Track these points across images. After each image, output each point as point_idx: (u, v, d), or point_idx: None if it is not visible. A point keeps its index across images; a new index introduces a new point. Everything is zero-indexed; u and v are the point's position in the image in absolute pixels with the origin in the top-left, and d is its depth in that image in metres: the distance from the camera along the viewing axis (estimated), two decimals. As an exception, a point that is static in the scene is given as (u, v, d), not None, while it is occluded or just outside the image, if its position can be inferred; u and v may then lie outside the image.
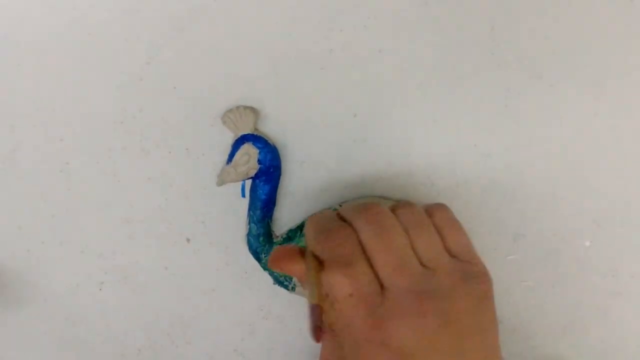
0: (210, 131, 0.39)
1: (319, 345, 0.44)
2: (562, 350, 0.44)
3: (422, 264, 0.30)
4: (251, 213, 0.40)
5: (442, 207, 0.34)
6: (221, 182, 0.39)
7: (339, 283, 0.29)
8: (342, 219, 0.32)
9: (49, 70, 0.38)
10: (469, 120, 0.40)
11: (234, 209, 0.40)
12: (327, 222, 0.32)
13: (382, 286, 0.29)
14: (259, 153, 0.38)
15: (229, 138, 0.39)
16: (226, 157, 0.39)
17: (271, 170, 0.39)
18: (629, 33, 0.39)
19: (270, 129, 0.39)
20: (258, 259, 0.40)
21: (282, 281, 0.40)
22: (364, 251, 0.30)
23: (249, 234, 0.40)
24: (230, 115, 0.38)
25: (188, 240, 0.41)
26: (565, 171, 0.41)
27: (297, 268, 0.31)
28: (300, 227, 0.40)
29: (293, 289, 0.40)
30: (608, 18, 0.38)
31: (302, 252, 0.32)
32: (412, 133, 0.40)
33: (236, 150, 0.38)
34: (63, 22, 0.37)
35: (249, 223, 0.40)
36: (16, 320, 0.43)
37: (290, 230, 0.41)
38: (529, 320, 0.44)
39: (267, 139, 0.39)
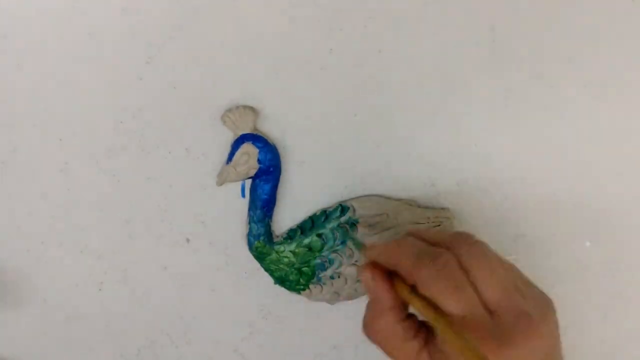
0: (210, 131, 0.39)
1: (319, 345, 0.44)
2: (562, 350, 0.44)
3: None
4: (251, 213, 0.40)
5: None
6: (221, 181, 0.39)
7: (452, 306, 0.29)
8: (435, 244, 0.32)
9: (49, 70, 0.38)
10: (469, 120, 0.40)
11: (234, 209, 0.40)
12: (423, 249, 0.31)
13: (488, 310, 0.30)
14: (259, 152, 0.38)
15: (229, 138, 0.39)
16: (226, 157, 0.39)
17: (271, 169, 0.39)
18: (629, 33, 0.39)
19: (270, 129, 0.39)
20: (259, 258, 0.40)
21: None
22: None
23: (249, 234, 0.40)
24: (230, 115, 0.38)
25: (188, 240, 0.41)
26: (565, 171, 0.41)
27: (386, 294, 0.32)
28: (301, 227, 0.40)
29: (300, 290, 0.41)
30: (608, 18, 0.38)
31: (388, 274, 0.32)
32: (412, 133, 0.40)
33: (236, 150, 0.38)
34: (63, 22, 0.37)
35: (249, 223, 0.40)
36: (16, 320, 0.43)
37: (291, 230, 0.41)
38: (529, 320, 0.44)
39: (266, 138, 0.39)
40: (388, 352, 0.32)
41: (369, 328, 0.32)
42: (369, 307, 0.33)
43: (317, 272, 0.40)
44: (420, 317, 0.32)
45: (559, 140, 0.40)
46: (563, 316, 0.44)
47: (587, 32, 0.38)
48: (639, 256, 0.43)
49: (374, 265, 0.32)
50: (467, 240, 0.32)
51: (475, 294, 0.30)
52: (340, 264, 0.40)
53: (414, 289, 0.30)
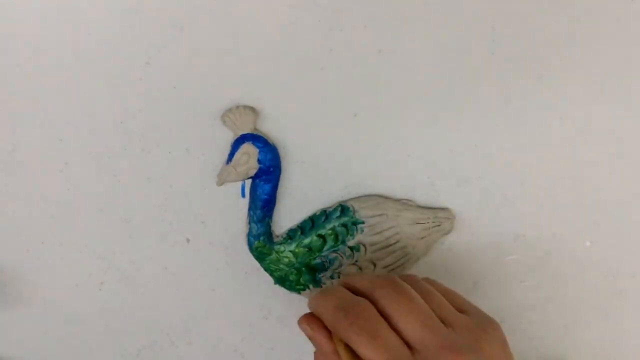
0: (210, 131, 0.39)
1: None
2: (562, 350, 0.44)
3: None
4: (251, 213, 0.40)
5: (424, 277, 0.36)
6: (221, 181, 0.39)
7: (369, 356, 0.30)
8: (354, 291, 0.33)
9: (49, 70, 0.38)
10: (469, 120, 0.40)
11: (234, 209, 0.40)
12: (340, 300, 0.32)
13: (411, 349, 0.30)
14: (259, 152, 0.38)
15: (229, 138, 0.39)
16: (226, 156, 0.39)
17: (271, 169, 0.39)
18: (629, 33, 0.39)
19: (270, 129, 0.39)
20: (259, 258, 0.40)
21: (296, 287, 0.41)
22: (385, 319, 0.31)
23: (249, 234, 0.40)
24: (230, 114, 0.38)
25: (188, 240, 0.41)
26: (565, 171, 0.41)
27: (325, 343, 0.33)
28: (301, 227, 0.40)
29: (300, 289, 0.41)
30: (608, 18, 0.38)
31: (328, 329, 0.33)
32: (412, 133, 0.40)
33: (236, 150, 0.38)
34: (63, 21, 0.37)
35: (249, 223, 0.40)
36: (16, 320, 0.43)
37: (291, 230, 0.41)
38: (529, 320, 0.44)
39: (266, 138, 0.39)
40: None
41: None
42: (315, 354, 0.35)
43: (317, 272, 0.40)
44: None
45: (559, 140, 0.40)
46: (563, 316, 0.44)
47: (587, 32, 0.38)
48: (639, 256, 0.43)
49: (310, 316, 0.34)
50: (386, 283, 0.32)
51: (396, 336, 0.30)
52: (340, 264, 0.40)
53: None
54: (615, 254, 0.42)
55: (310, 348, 0.34)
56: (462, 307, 0.33)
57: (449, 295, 0.34)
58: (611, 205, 0.41)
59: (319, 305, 0.33)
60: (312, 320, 0.33)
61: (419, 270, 0.42)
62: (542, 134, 0.40)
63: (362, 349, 0.30)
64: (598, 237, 0.42)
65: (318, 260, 0.40)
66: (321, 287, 0.41)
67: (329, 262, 0.40)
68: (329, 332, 0.33)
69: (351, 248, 0.40)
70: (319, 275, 0.40)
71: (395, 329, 0.31)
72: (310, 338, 0.34)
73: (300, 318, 0.34)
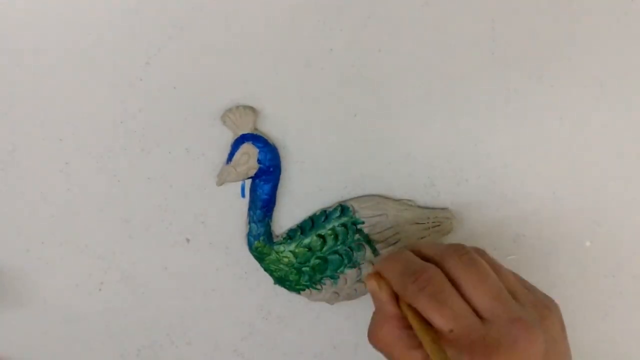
0: (210, 131, 0.39)
1: (319, 345, 0.44)
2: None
3: None
4: (251, 213, 0.40)
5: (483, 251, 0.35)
6: (221, 181, 0.39)
7: (438, 322, 0.30)
8: (424, 258, 0.33)
9: (49, 70, 0.38)
10: (469, 120, 0.40)
11: (234, 209, 0.40)
12: (409, 264, 0.32)
13: (480, 318, 0.30)
14: (259, 153, 0.38)
15: (229, 138, 0.39)
16: (226, 156, 0.39)
17: (271, 169, 0.39)
18: (629, 33, 0.39)
19: (270, 129, 0.39)
20: (259, 258, 0.40)
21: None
22: (455, 287, 0.31)
23: (249, 234, 0.40)
24: (230, 114, 0.38)
25: (188, 240, 0.41)
26: (565, 171, 0.41)
27: (390, 303, 0.32)
28: (301, 227, 0.40)
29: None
30: (608, 18, 0.38)
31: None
32: (412, 133, 0.40)
33: (236, 150, 0.38)
34: (63, 21, 0.37)
35: (249, 223, 0.40)
36: (16, 320, 0.43)
37: (291, 230, 0.41)
38: (529, 320, 0.43)
39: (266, 138, 0.39)
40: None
41: (373, 335, 0.33)
42: (374, 315, 0.33)
43: (317, 273, 0.40)
44: None
45: (559, 140, 0.40)
46: (563, 316, 0.44)
47: (587, 32, 0.38)
48: (639, 256, 0.43)
49: (380, 274, 0.33)
50: (456, 251, 0.32)
51: (466, 305, 0.30)
52: (340, 265, 0.40)
53: None
54: (615, 254, 0.42)
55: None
56: (525, 284, 0.33)
57: (508, 270, 0.34)
58: (611, 205, 0.41)
59: (387, 267, 0.33)
60: (380, 279, 0.33)
61: (419, 270, 0.42)
62: (542, 134, 0.40)
63: (432, 314, 0.30)
64: (598, 237, 0.42)
65: (318, 261, 0.40)
66: (321, 287, 0.41)
67: (329, 263, 0.40)
68: (395, 295, 0.32)
69: (351, 248, 0.40)
70: (319, 276, 0.40)
71: (465, 298, 0.30)
72: (374, 295, 0.33)
73: (368, 274, 0.33)
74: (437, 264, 0.32)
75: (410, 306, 0.31)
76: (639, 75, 0.39)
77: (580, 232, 0.42)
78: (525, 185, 0.41)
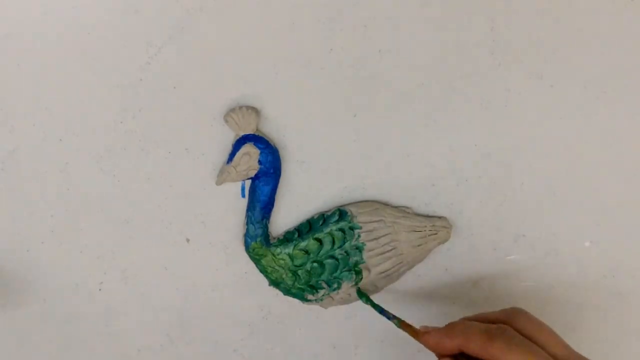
0: (210, 131, 0.39)
1: (318, 345, 0.44)
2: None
3: None
4: (249, 214, 0.40)
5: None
6: (221, 181, 0.39)
7: None
8: (490, 322, 0.35)
9: (49, 70, 0.38)
10: (469, 120, 0.40)
11: (234, 209, 0.40)
12: (486, 327, 0.34)
13: None
14: (260, 154, 0.38)
15: (229, 138, 0.39)
16: (226, 157, 0.39)
17: (271, 171, 0.39)
18: (629, 33, 0.39)
19: (270, 129, 0.39)
20: (255, 259, 0.40)
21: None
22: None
23: (246, 235, 0.40)
24: (232, 115, 0.38)
25: (188, 240, 0.41)
26: (565, 171, 0.41)
27: None
28: (298, 230, 0.40)
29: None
30: (608, 18, 0.38)
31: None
32: (412, 133, 0.40)
33: (237, 150, 0.38)
34: (63, 21, 0.37)
35: (247, 223, 0.40)
36: (16, 320, 0.43)
37: (288, 232, 0.41)
38: (529, 320, 0.43)
39: (268, 140, 0.39)
40: None
41: None
42: None
43: (312, 276, 0.40)
44: None
45: (559, 140, 0.40)
46: (563, 316, 0.44)
47: (587, 32, 0.38)
48: (639, 256, 0.43)
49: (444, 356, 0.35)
50: (519, 312, 0.35)
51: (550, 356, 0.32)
52: (336, 269, 0.40)
53: None
54: (615, 254, 0.42)
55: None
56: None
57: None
58: (611, 205, 0.41)
59: (459, 333, 0.34)
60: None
61: (419, 270, 0.42)
62: (542, 134, 0.40)
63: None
64: (598, 237, 0.42)
65: (314, 264, 0.40)
66: (317, 291, 0.41)
67: (325, 266, 0.40)
68: None
69: (347, 252, 0.40)
70: (315, 279, 0.40)
71: (545, 350, 0.33)
72: None
73: (439, 354, 0.35)
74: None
75: None
76: (639, 75, 0.39)
77: (580, 232, 0.42)
78: (525, 185, 0.41)
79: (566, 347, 0.34)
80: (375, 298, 0.40)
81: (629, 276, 0.43)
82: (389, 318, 0.38)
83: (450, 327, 0.35)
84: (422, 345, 0.36)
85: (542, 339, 0.33)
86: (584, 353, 0.33)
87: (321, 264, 0.40)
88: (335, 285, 0.40)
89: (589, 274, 0.43)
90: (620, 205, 0.41)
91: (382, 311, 0.39)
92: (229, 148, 0.39)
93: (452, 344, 0.34)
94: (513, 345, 0.32)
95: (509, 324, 0.34)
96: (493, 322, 0.35)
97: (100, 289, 0.42)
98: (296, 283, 0.40)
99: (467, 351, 0.34)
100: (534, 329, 0.34)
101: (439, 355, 0.35)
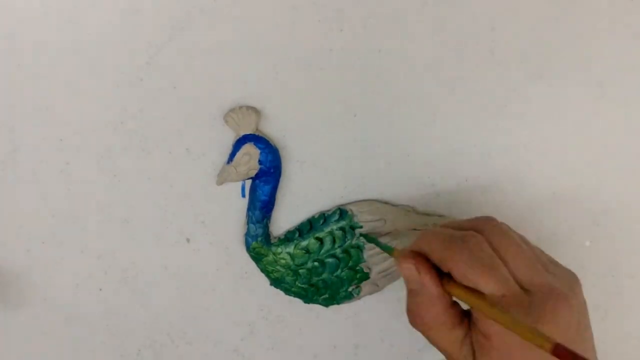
0: (210, 131, 0.39)
1: (318, 345, 0.44)
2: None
3: None
4: (250, 213, 0.40)
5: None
6: (221, 181, 0.39)
7: (491, 287, 0.29)
8: (462, 230, 0.32)
9: (49, 70, 0.38)
10: (469, 120, 0.40)
11: (234, 209, 0.40)
12: (453, 234, 0.31)
13: (523, 288, 0.30)
14: (260, 154, 0.38)
15: (229, 138, 0.39)
16: (226, 157, 0.39)
17: (271, 171, 0.39)
18: (629, 33, 0.39)
19: (270, 129, 0.39)
20: (256, 259, 0.40)
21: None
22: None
23: (247, 234, 0.40)
24: (232, 115, 0.38)
25: (188, 240, 0.41)
26: (565, 171, 0.41)
27: (434, 284, 0.31)
28: (299, 229, 0.40)
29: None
30: (608, 18, 0.38)
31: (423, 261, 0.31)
32: (412, 133, 0.40)
33: (237, 150, 0.38)
34: (63, 22, 0.37)
35: (248, 223, 0.40)
36: (16, 320, 0.43)
37: (289, 232, 0.41)
38: (529, 320, 0.44)
39: (268, 140, 0.39)
40: (434, 341, 0.32)
41: (417, 318, 0.32)
42: (413, 297, 0.32)
43: (313, 275, 0.40)
44: (463, 305, 0.32)
45: (559, 140, 0.40)
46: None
47: (587, 32, 0.38)
48: (639, 256, 0.43)
49: (415, 256, 0.32)
50: (491, 221, 0.32)
51: (509, 272, 0.30)
52: (337, 268, 0.40)
53: (449, 276, 0.30)
54: (615, 254, 0.42)
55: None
56: (549, 257, 0.33)
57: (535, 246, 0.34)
58: (611, 205, 0.41)
59: (426, 241, 0.31)
60: (418, 260, 0.31)
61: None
62: (542, 134, 0.40)
63: (484, 280, 0.29)
64: (598, 237, 0.42)
65: (315, 263, 0.40)
66: (319, 290, 0.41)
67: (326, 266, 0.40)
68: (436, 275, 0.31)
69: (348, 252, 0.40)
70: (316, 278, 0.40)
71: (506, 266, 0.30)
72: (411, 278, 0.31)
73: (400, 257, 0.32)
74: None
75: (454, 281, 0.30)
76: (639, 75, 0.39)
77: (580, 232, 0.42)
78: (525, 185, 0.41)
79: (532, 267, 0.30)
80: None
81: (628, 276, 0.43)
82: (388, 250, 0.36)
83: (422, 234, 0.32)
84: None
85: (507, 255, 0.30)
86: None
87: (322, 263, 0.40)
88: (336, 284, 0.40)
89: (589, 274, 0.43)
90: (620, 205, 0.41)
91: (379, 244, 0.37)
92: (229, 148, 0.39)
93: (420, 250, 0.31)
94: (473, 259, 0.29)
95: (479, 232, 0.31)
96: (465, 229, 0.32)
97: (100, 289, 0.42)
98: (297, 282, 0.40)
99: (431, 259, 0.31)
100: (501, 242, 0.30)
101: (401, 262, 0.32)
